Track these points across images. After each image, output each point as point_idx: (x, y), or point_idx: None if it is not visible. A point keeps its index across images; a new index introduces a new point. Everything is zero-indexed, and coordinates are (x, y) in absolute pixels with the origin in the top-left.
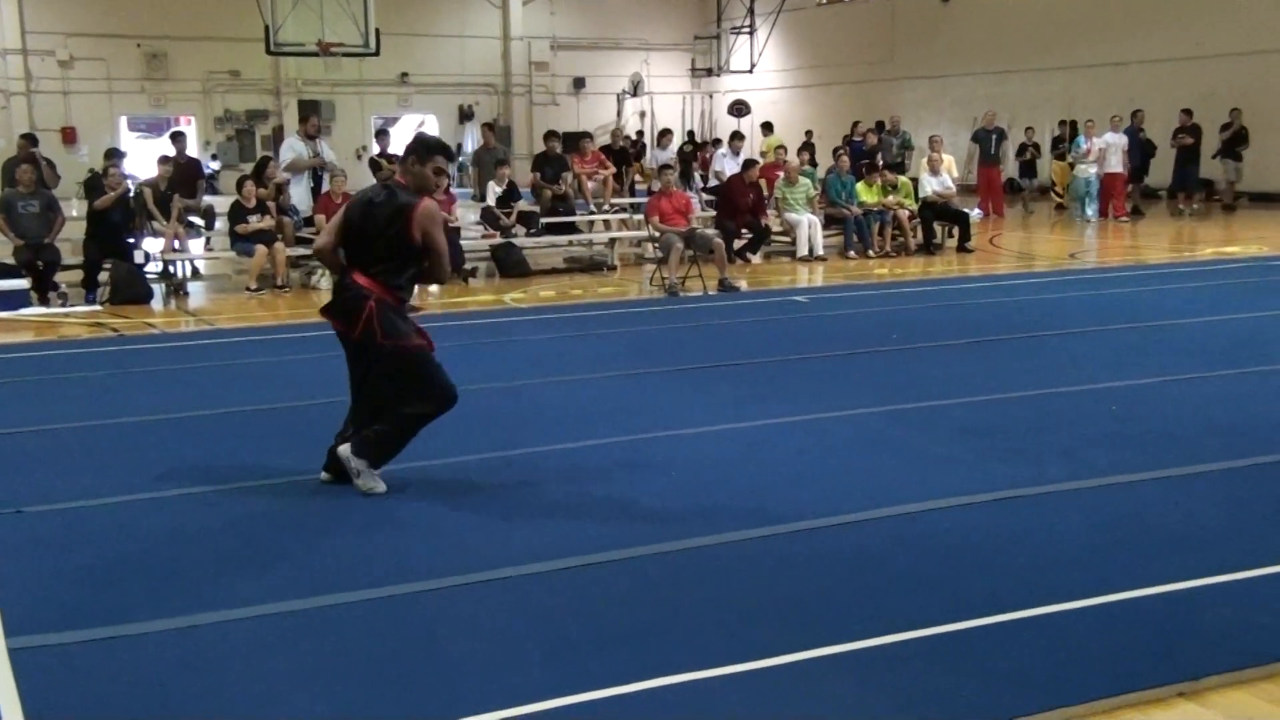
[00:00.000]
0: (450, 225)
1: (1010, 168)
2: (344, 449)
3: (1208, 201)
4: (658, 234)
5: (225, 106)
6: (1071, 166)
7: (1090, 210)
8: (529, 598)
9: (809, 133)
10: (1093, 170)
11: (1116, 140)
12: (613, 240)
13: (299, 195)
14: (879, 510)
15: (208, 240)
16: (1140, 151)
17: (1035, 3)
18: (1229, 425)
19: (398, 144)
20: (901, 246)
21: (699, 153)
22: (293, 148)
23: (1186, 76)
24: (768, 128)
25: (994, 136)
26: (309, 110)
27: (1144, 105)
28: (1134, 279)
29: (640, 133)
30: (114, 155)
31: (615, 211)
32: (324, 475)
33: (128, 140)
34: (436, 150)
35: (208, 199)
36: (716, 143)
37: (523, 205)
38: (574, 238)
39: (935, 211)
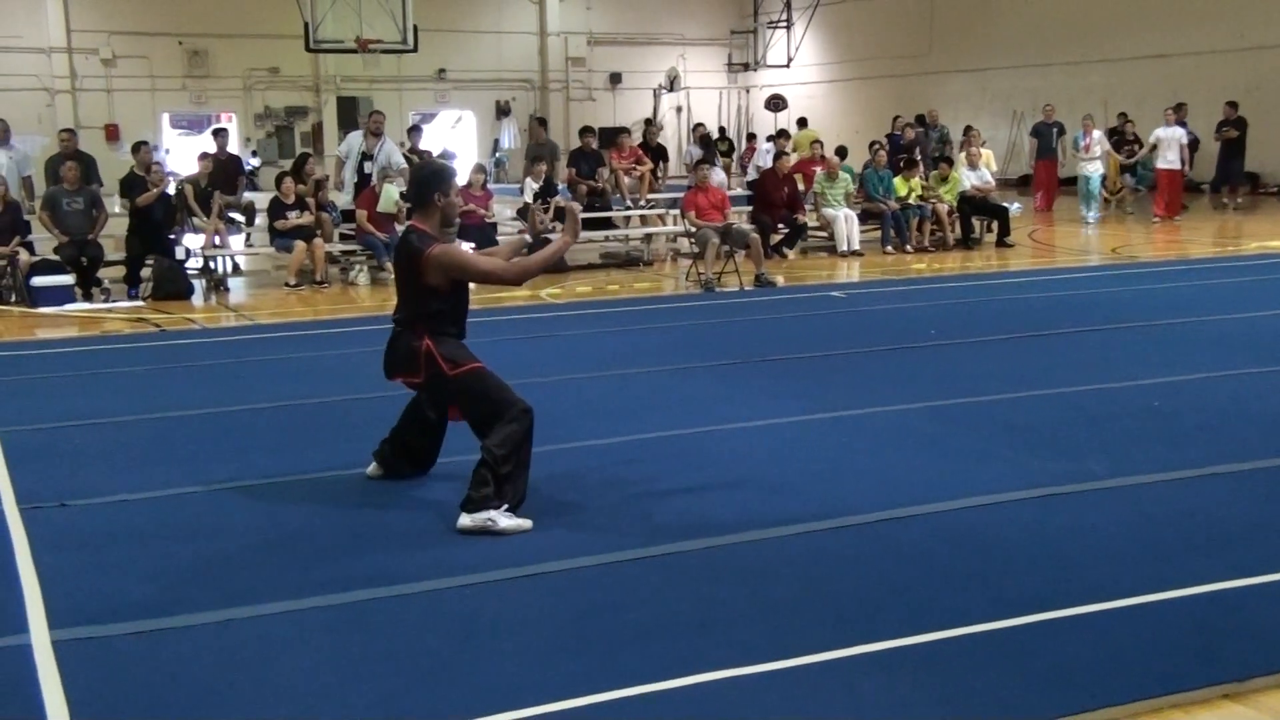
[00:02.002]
0: (487, 220)
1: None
2: (462, 520)
3: (1252, 195)
4: (694, 229)
5: (265, 103)
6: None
7: (1092, 213)
8: (566, 593)
9: (841, 150)
10: (1093, 168)
11: (1170, 134)
12: (649, 236)
13: (349, 190)
14: (918, 507)
15: (248, 236)
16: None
17: None
18: (1274, 422)
19: (429, 141)
20: (940, 241)
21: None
22: (350, 142)
23: (1231, 68)
24: (803, 123)
25: (1054, 130)
26: (348, 106)
27: (1187, 98)
28: (1177, 274)
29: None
30: (141, 147)
31: (652, 207)
32: (370, 469)
33: (170, 137)
34: (450, 175)
35: (248, 195)
36: (752, 137)
37: (559, 201)
38: (610, 233)
39: (974, 206)
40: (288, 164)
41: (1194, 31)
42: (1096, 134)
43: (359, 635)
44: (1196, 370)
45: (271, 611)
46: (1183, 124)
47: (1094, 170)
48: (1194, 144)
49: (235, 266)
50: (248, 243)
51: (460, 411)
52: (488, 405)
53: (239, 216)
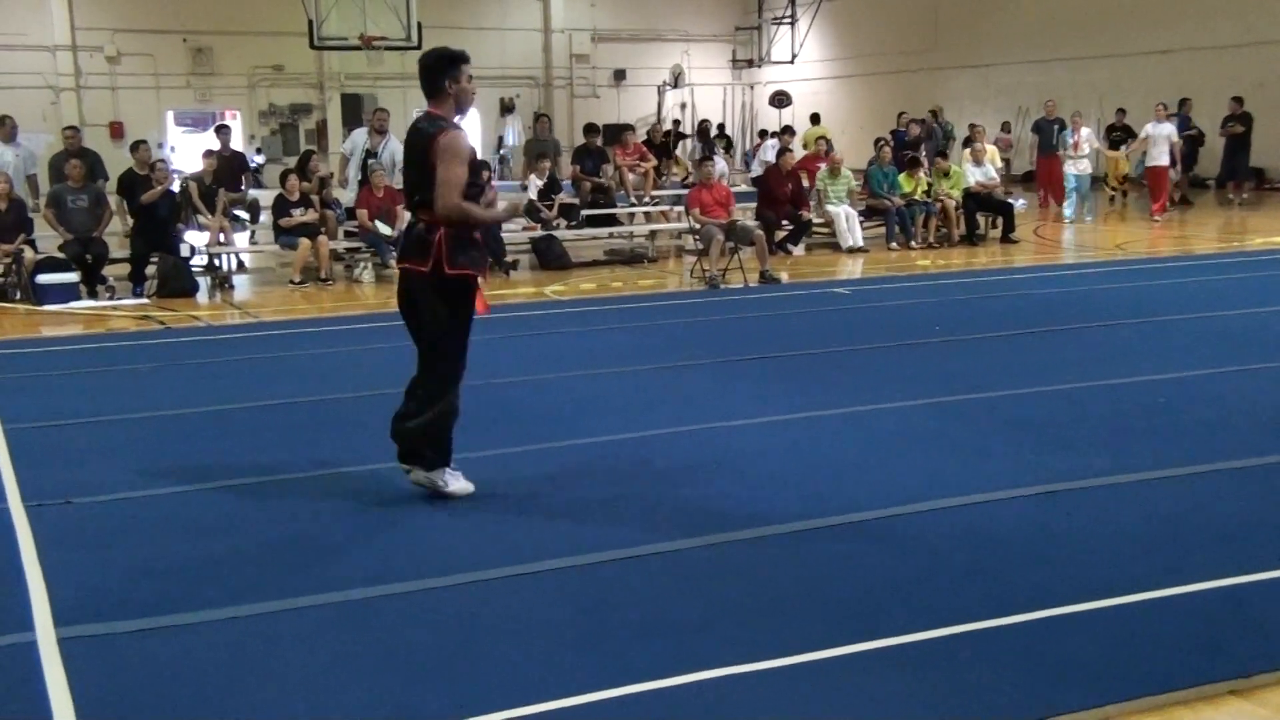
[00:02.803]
0: None
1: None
2: (416, 475)
3: (1258, 190)
4: (698, 226)
5: (269, 100)
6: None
7: (1070, 210)
8: (568, 590)
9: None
10: (1081, 166)
11: (1160, 131)
12: (653, 232)
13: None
14: (923, 503)
15: (252, 234)
16: (1188, 141)
17: None
18: (1278, 418)
19: None
20: (945, 238)
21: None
22: (354, 140)
23: (1237, 64)
24: (815, 119)
25: (1055, 126)
26: (352, 104)
27: (1192, 93)
28: (1182, 270)
29: (677, 122)
30: (139, 146)
31: (656, 204)
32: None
33: (174, 134)
34: (461, 59)
35: (252, 193)
36: (763, 134)
37: (563, 198)
38: (614, 230)
39: (978, 202)
40: (292, 161)
41: (1199, 27)
42: (1085, 131)
43: (362, 633)
44: (1201, 366)
45: (276, 609)
46: (1187, 120)
47: (1082, 169)
48: (1199, 138)
49: (240, 264)
50: (252, 240)
51: (426, 318)
52: (452, 343)
53: (243, 214)
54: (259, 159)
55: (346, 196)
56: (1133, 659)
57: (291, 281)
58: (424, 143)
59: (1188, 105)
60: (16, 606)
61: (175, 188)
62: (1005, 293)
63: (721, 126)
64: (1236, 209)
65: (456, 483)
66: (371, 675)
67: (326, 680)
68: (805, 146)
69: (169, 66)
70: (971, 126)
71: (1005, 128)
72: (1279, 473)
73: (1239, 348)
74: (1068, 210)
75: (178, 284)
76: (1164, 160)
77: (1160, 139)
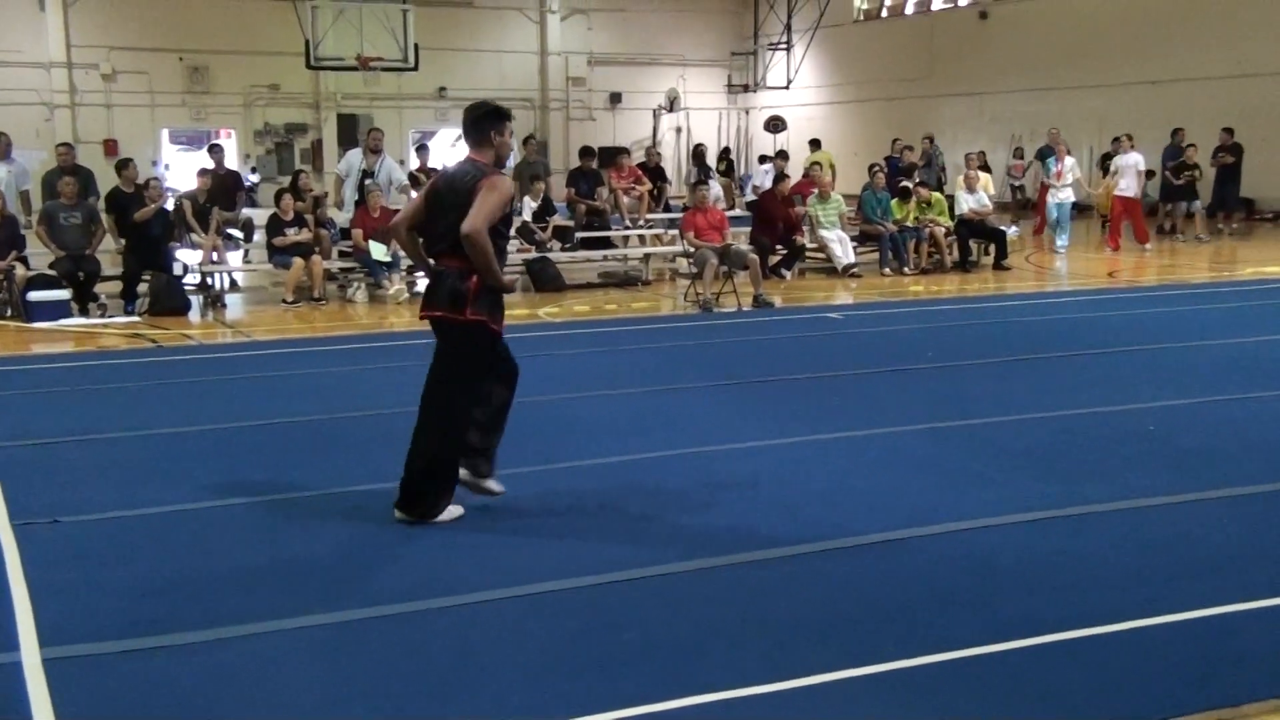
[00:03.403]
0: None
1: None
2: (466, 475)
3: (1248, 220)
4: (692, 249)
5: (265, 120)
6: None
7: (1061, 240)
8: (562, 613)
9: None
10: (1065, 195)
11: (1127, 161)
12: (647, 255)
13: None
14: (915, 529)
15: (246, 253)
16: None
17: (1073, 20)
18: (1270, 447)
19: (436, 159)
20: (937, 264)
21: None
22: (349, 160)
23: (1227, 94)
24: (815, 144)
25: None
26: (348, 124)
27: (1183, 123)
28: (1173, 298)
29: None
30: (128, 164)
31: (650, 227)
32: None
33: (169, 153)
34: (505, 115)
35: (246, 211)
36: (763, 159)
37: (558, 220)
38: (609, 253)
39: (971, 229)
40: (287, 181)
41: (1190, 57)
42: (1069, 160)
43: (352, 655)
44: (1192, 395)
45: (264, 630)
46: (1175, 149)
47: (1065, 197)
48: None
49: (233, 283)
50: (246, 259)
51: (446, 358)
52: (461, 387)
53: (237, 233)
54: (254, 178)
55: (342, 216)
56: (1123, 687)
57: (284, 301)
58: (468, 185)
59: (1180, 135)
60: (2, 626)
61: (169, 206)
62: (997, 319)
63: (726, 150)
64: (1227, 238)
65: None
66: (360, 698)
67: (315, 703)
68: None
69: (164, 85)
70: (967, 156)
71: (1018, 154)
72: (1269, 502)
73: (1229, 377)
74: (1060, 240)
75: (170, 302)
76: (1132, 191)
77: (1128, 169)
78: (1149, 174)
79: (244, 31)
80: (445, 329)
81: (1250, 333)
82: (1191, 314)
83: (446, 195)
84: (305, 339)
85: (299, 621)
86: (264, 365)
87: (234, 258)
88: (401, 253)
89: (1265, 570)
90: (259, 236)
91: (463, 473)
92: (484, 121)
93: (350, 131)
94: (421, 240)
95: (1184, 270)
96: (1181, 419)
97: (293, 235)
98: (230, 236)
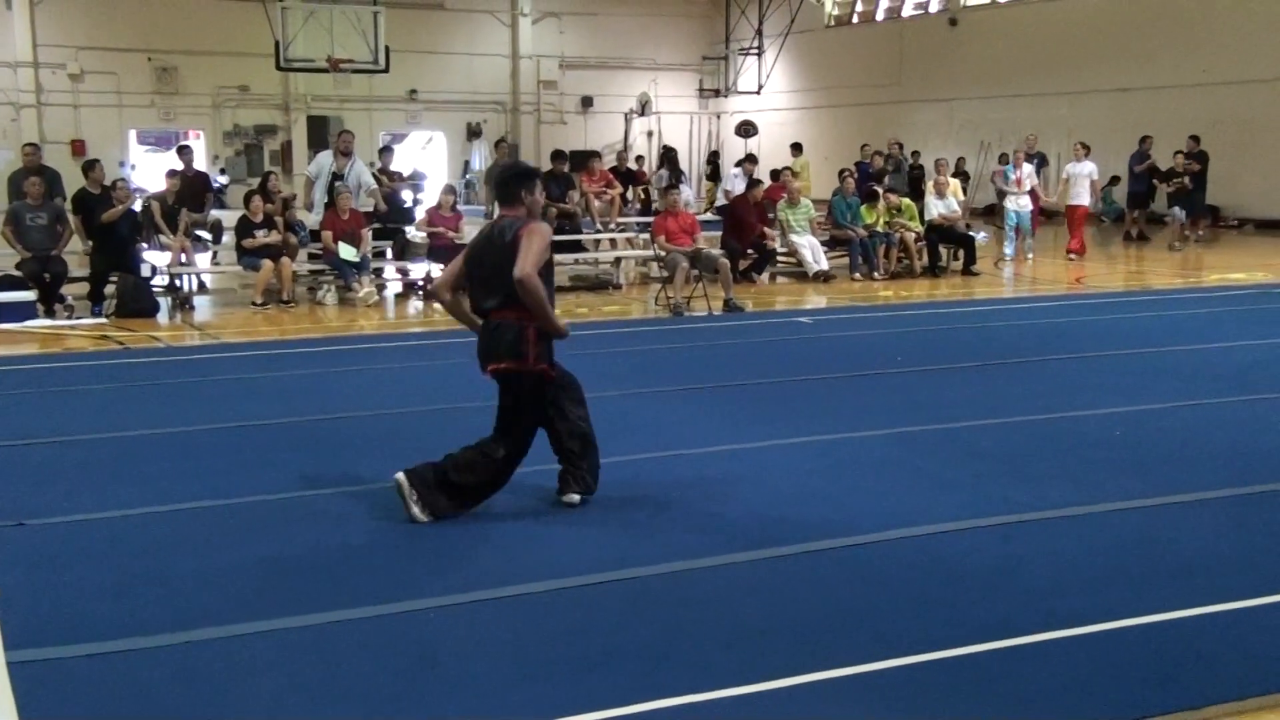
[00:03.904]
0: (456, 242)
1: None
2: (570, 498)
3: (1214, 228)
4: (663, 253)
5: (234, 121)
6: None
7: (1010, 248)
8: (533, 617)
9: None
10: (1022, 203)
11: (1079, 170)
12: (618, 259)
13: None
14: (886, 533)
15: (214, 254)
16: (1148, 177)
17: (1042, 28)
18: (1235, 452)
19: (400, 161)
20: (907, 269)
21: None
22: (319, 162)
23: (1193, 103)
24: (797, 148)
25: (1035, 161)
26: (318, 126)
27: (1150, 131)
28: (1140, 304)
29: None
30: (95, 165)
31: (621, 231)
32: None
33: (137, 153)
34: (535, 175)
35: (215, 213)
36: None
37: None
38: (580, 256)
39: (941, 234)
40: (256, 182)
41: (1157, 66)
42: (1027, 168)
43: (323, 658)
44: (1158, 400)
45: (234, 634)
46: (1143, 156)
47: (1022, 205)
48: (1153, 175)
49: (201, 285)
50: (214, 261)
51: (511, 410)
52: (527, 431)
53: (206, 234)
54: (222, 179)
55: (311, 219)
56: (1091, 689)
57: (253, 303)
58: (509, 238)
59: (1148, 142)
60: None
61: (137, 207)
62: (966, 324)
63: (715, 154)
64: (1193, 245)
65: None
66: (330, 702)
67: (285, 706)
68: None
69: (132, 85)
70: (937, 162)
71: (1002, 159)
72: (1233, 506)
73: (1194, 382)
74: (1008, 248)
75: (137, 304)
76: (1083, 200)
77: (1080, 178)
78: (1114, 180)
79: (213, 32)
80: (511, 381)
81: (1215, 339)
82: (1158, 320)
83: (488, 253)
84: (274, 341)
85: (268, 625)
86: (232, 368)
87: (202, 259)
88: (370, 254)
89: (1230, 574)
90: (228, 238)
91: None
92: (514, 183)
93: (320, 133)
94: (467, 300)
95: (1151, 276)
96: (1148, 424)
97: (262, 237)
98: (199, 238)
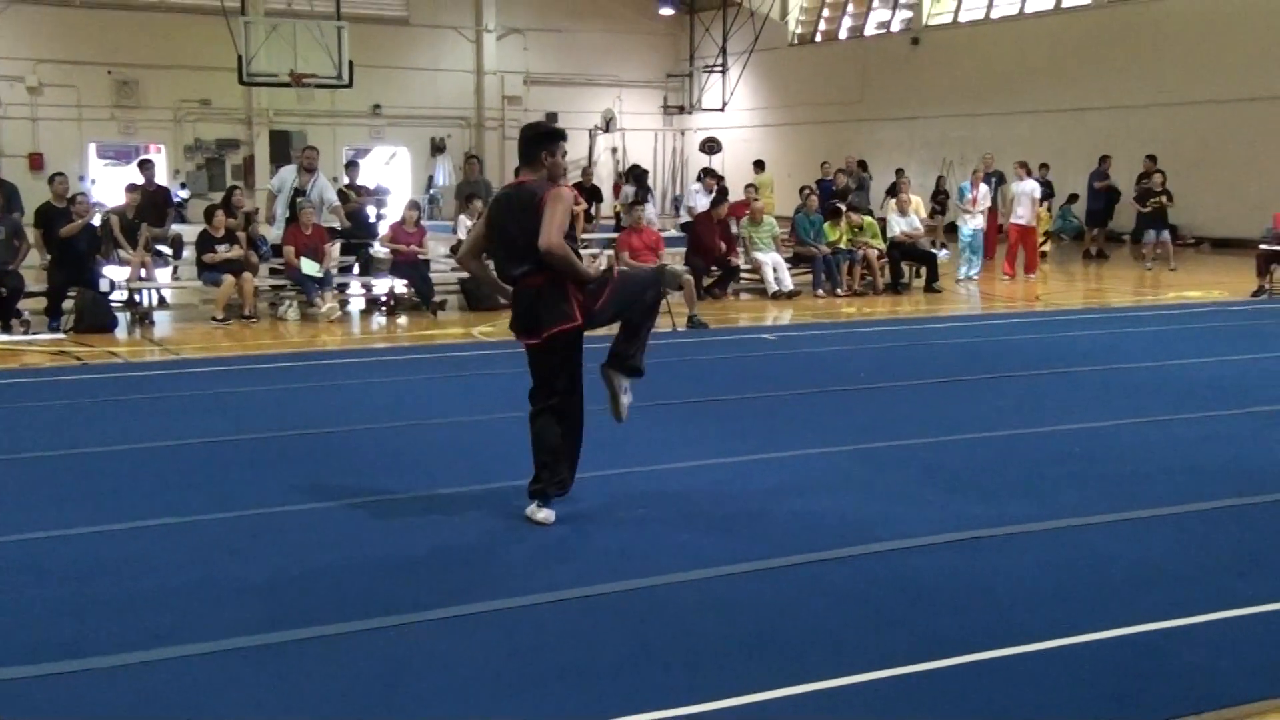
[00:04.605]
0: (421, 257)
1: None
2: (617, 380)
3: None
4: (627, 270)
5: (196, 135)
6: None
7: (967, 269)
8: (494, 634)
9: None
10: (977, 223)
11: (1022, 189)
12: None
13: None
14: (846, 549)
15: (175, 269)
16: (1106, 197)
17: (1003, 48)
18: (1190, 468)
19: (363, 177)
20: (870, 286)
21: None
22: (282, 176)
23: (1151, 122)
24: (759, 165)
25: (992, 180)
26: (281, 140)
27: (1108, 150)
28: (1098, 322)
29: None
30: (56, 179)
31: (586, 247)
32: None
33: (96, 167)
34: (560, 136)
35: (176, 228)
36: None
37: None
38: None
39: (903, 251)
40: (218, 197)
41: (1116, 86)
42: (983, 188)
43: (283, 677)
44: (1115, 416)
45: (193, 653)
46: (1101, 175)
47: (976, 225)
48: (1112, 194)
49: (161, 300)
50: (175, 276)
51: (560, 372)
52: (578, 386)
53: (166, 249)
54: (183, 194)
55: (273, 234)
56: (1049, 705)
57: (214, 319)
58: (533, 204)
59: (1106, 161)
60: None
61: (96, 221)
62: (927, 341)
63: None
64: (1153, 264)
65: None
66: (288, 718)
67: None
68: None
69: (92, 98)
70: (899, 180)
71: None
72: (1189, 521)
73: (1151, 399)
74: (962, 269)
75: (96, 319)
76: (1026, 219)
77: (1023, 197)
78: (1072, 199)
79: (174, 46)
80: (561, 343)
81: (1172, 356)
82: (1116, 337)
83: (510, 219)
84: (236, 357)
85: (229, 644)
86: (193, 384)
87: (163, 274)
88: (334, 270)
89: (1186, 588)
90: (188, 253)
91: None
92: (538, 141)
93: (283, 148)
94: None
95: (1110, 294)
96: (1105, 441)
97: (223, 252)
98: (159, 253)
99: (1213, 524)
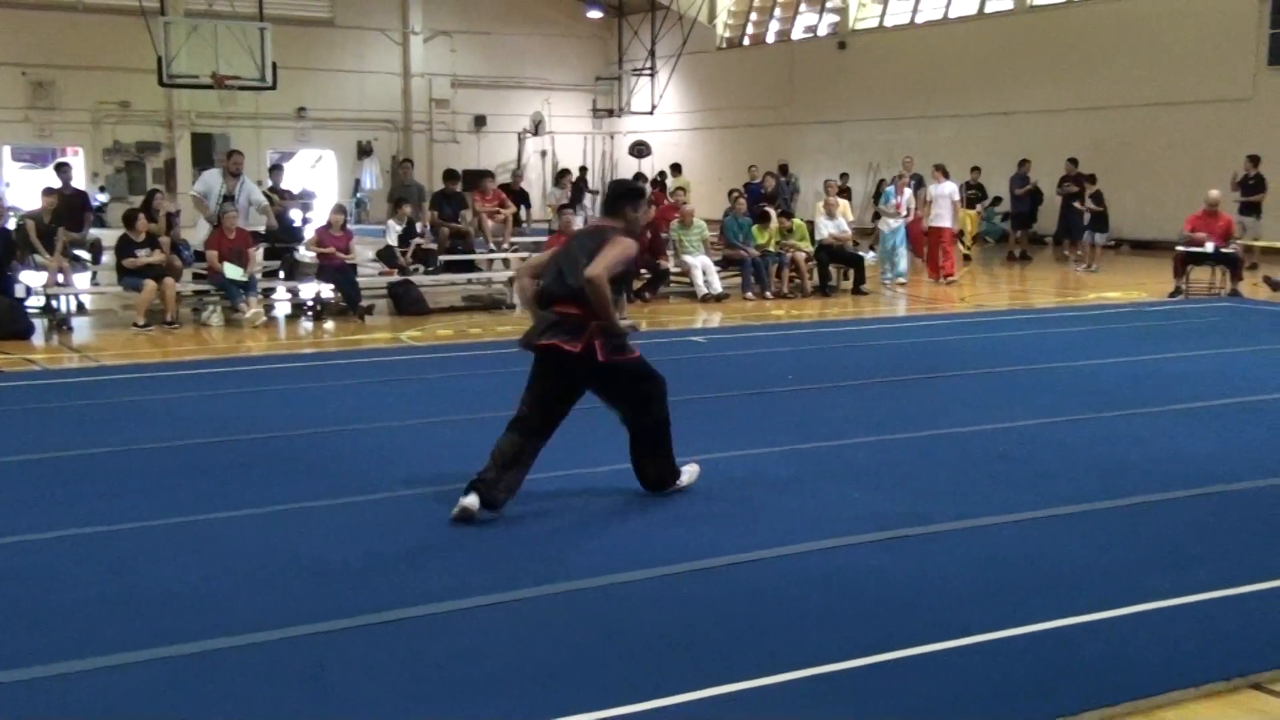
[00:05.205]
0: (347, 262)
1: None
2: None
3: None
4: None
5: (115, 138)
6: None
7: (892, 271)
8: (422, 640)
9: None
10: (897, 223)
11: (942, 191)
12: (512, 279)
13: (203, 230)
14: (773, 549)
15: (94, 275)
16: (1030, 199)
17: (929, 52)
18: (1109, 466)
19: (289, 180)
20: (798, 288)
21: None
22: (207, 181)
23: (1073, 126)
24: (676, 169)
25: (912, 183)
26: (203, 143)
27: (1031, 154)
28: (1022, 323)
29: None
30: None
31: (515, 250)
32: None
33: (11, 170)
34: (642, 194)
35: (94, 232)
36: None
37: (422, 243)
38: (473, 276)
39: (831, 254)
40: (138, 201)
41: (1038, 91)
42: (907, 193)
43: (203, 686)
44: (1037, 416)
45: (111, 664)
46: (1022, 178)
47: (897, 226)
48: (1035, 198)
49: (80, 306)
50: (94, 281)
51: (615, 391)
52: (646, 384)
53: (84, 254)
54: (102, 198)
55: (196, 237)
56: (971, 700)
57: (135, 324)
58: (598, 240)
59: (1026, 165)
60: None
61: (11, 225)
62: (856, 343)
63: (584, 169)
64: (1072, 265)
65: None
66: None
67: None
68: (672, 196)
69: (6, 100)
70: (826, 183)
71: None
72: (1109, 518)
73: (1071, 398)
74: (887, 273)
75: (11, 326)
76: (945, 221)
77: (942, 199)
78: (996, 201)
79: (92, 46)
80: (554, 365)
81: (1092, 356)
82: (1039, 338)
83: (576, 249)
84: (157, 364)
85: (149, 654)
86: (113, 391)
87: (81, 280)
88: (258, 274)
89: (1103, 583)
90: (108, 258)
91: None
92: (623, 199)
93: (206, 151)
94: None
95: (1033, 295)
96: (1027, 439)
97: (144, 257)
98: (77, 258)
99: (1129, 520)
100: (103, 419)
